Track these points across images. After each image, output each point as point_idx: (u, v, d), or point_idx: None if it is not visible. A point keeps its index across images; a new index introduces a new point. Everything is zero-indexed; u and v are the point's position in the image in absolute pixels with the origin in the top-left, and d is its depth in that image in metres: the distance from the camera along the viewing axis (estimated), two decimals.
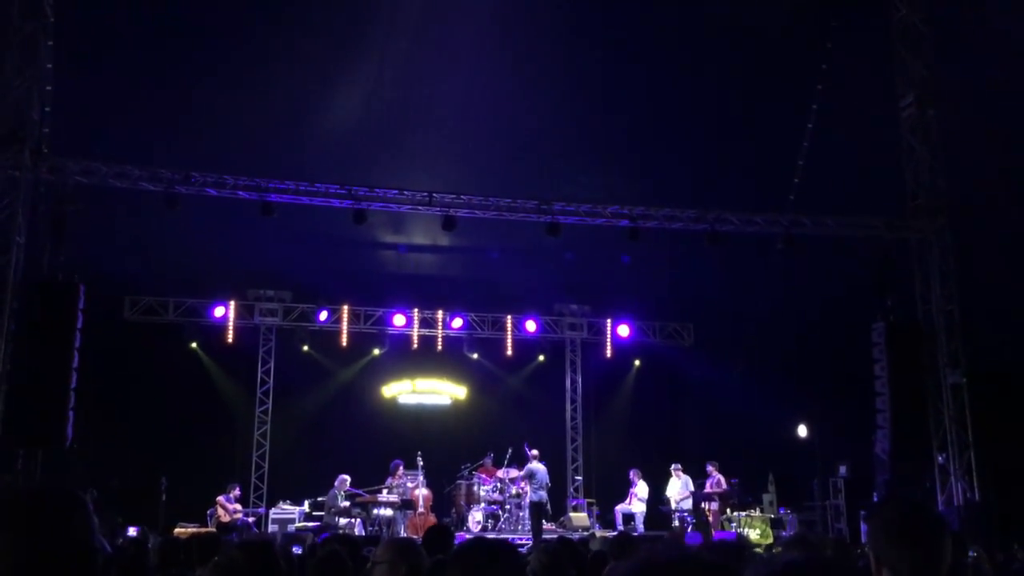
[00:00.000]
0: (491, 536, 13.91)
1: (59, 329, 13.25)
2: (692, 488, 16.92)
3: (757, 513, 16.32)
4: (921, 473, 15.90)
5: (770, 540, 15.07)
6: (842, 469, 17.09)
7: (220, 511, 15.89)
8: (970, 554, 7.36)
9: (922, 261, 16.43)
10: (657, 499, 17.42)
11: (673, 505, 16.98)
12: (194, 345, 18.94)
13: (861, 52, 16.40)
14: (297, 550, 8.46)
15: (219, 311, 18.76)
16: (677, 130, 16.85)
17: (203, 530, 14.34)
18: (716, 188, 17.17)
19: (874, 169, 17.14)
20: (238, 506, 16.32)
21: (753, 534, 15.35)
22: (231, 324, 18.80)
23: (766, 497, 17.39)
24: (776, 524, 16.13)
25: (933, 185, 16.15)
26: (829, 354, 18.07)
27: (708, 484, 16.84)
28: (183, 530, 14.32)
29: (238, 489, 16.63)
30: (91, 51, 14.54)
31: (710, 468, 16.95)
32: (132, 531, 14.01)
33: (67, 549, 1.77)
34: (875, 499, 15.80)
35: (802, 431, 18.84)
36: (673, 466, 17.29)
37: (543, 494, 16.21)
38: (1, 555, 1.74)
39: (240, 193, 15.23)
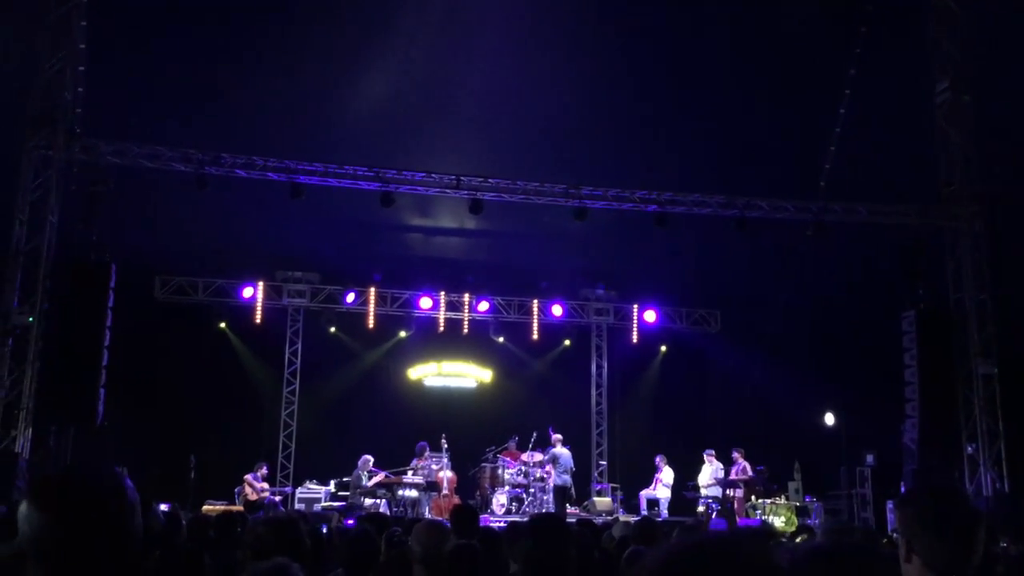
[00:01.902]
0: (516, 519, 13.97)
1: (91, 308, 13.43)
2: (721, 475, 16.88)
3: (782, 501, 16.24)
4: (950, 463, 15.75)
5: (795, 528, 15.00)
6: (869, 458, 16.95)
7: (247, 489, 16.07)
8: (1001, 544, 7.31)
9: (954, 249, 16.22)
10: (684, 485, 17.40)
11: (701, 491, 16.97)
12: (223, 325, 19.11)
13: (896, 37, 16.16)
14: (323, 529, 8.53)
15: (248, 292, 18.91)
16: (706, 115, 16.71)
17: (231, 508, 14.52)
18: (746, 174, 17.02)
19: (907, 156, 16.91)
20: (265, 485, 16.49)
21: (778, 522, 15.28)
22: (259, 305, 18.96)
23: (791, 485, 17.29)
24: (802, 512, 16.05)
25: (967, 172, 15.92)
26: (858, 342, 17.91)
27: (733, 471, 16.80)
28: (211, 507, 14.50)
29: (265, 468, 16.79)
30: (123, 32, 14.63)
31: (736, 455, 16.90)
32: (163, 507, 14.20)
33: (103, 530, 1.76)
34: (903, 489, 15.68)
35: (829, 419, 18.69)
36: (706, 452, 17.25)
37: (567, 478, 16.26)
38: (38, 534, 1.75)
39: (269, 175, 15.33)
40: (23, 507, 1.77)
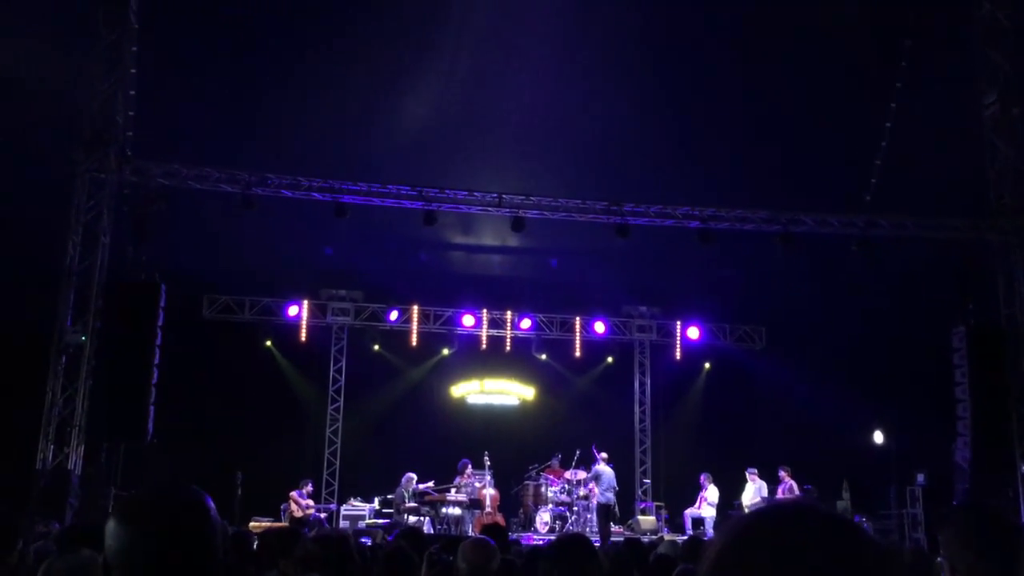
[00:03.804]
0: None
1: (141, 327, 13.66)
2: (765, 494, 16.65)
3: None
4: (1003, 483, 15.37)
5: None
6: (920, 477, 16.62)
7: (293, 506, 16.21)
8: None
9: (1006, 263, 15.89)
10: (729, 504, 17.19)
11: (745, 511, 16.71)
12: (269, 343, 19.36)
13: (942, 49, 15.93)
14: (366, 541, 8.57)
15: (293, 310, 19.13)
16: (750, 130, 16.61)
17: (277, 525, 14.66)
18: (790, 189, 16.86)
19: (955, 169, 16.63)
20: (310, 502, 16.62)
21: None
22: (304, 323, 19.16)
23: (840, 504, 17.00)
24: None
25: (1018, 185, 15.60)
26: (907, 359, 17.59)
27: (780, 490, 16.56)
28: (258, 524, 14.65)
29: (310, 485, 16.94)
30: (172, 57, 14.98)
31: (782, 473, 16.67)
32: None
33: (187, 546, 1.85)
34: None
35: (878, 437, 18.36)
36: (748, 470, 17.04)
37: (611, 496, 16.15)
38: (124, 548, 1.83)
39: (314, 195, 15.52)
40: (110, 523, 1.86)
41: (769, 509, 1.19)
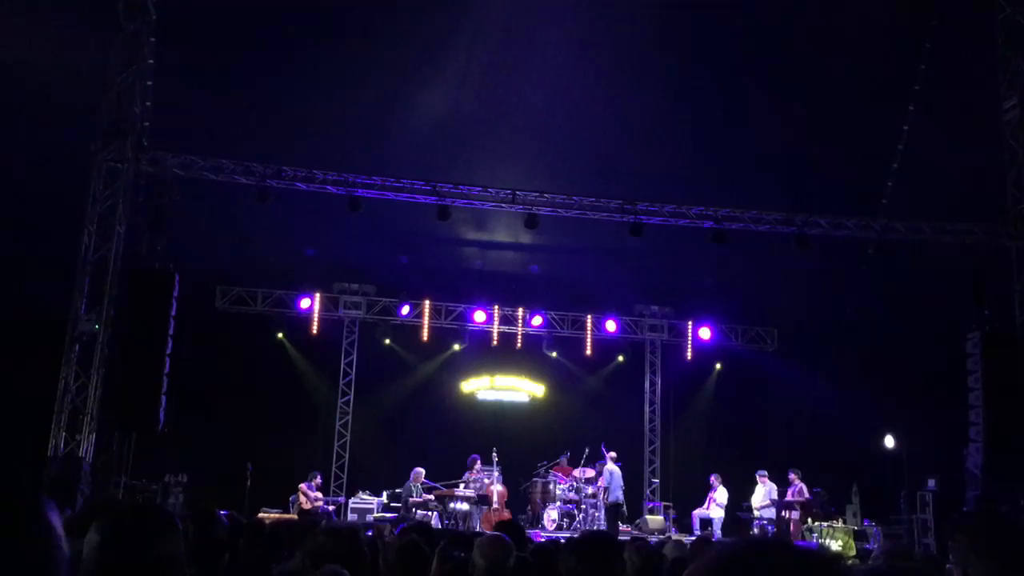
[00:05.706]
0: (567, 535, 13.93)
1: (155, 316, 13.72)
2: (775, 496, 16.62)
3: (840, 524, 15.92)
4: (1015, 489, 15.28)
5: (853, 552, 14.69)
6: (930, 483, 16.54)
7: (302, 498, 16.26)
8: None
9: (1022, 270, 15.79)
10: (738, 505, 17.16)
11: (755, 513, 16.72)
12: (281, 335, 19.41)
13: (962, 52, 15.83)
14: (369, 533, 8.55)
15: (305, 303, 19.17)
16: (766, 131, 16.54)
17: (286, 516, 14.70)
18: (805, 190, 16.79)
19: (972, 173, 16.53)
20: (319, 494, 16.66)
21: (835, 546, 14.98)
22: (316, 316, 19.19)
23: (849, 508, 16.95)
24: (859, 536, 15.70)
25: None
26: (920, 364, 17.51)
27: (790, 492, 16.52)
28: (266, 515, 14.69)
29: (319, 478, 16.98)
30: (190, 49, 15.02)
31: (792, 476, 16.63)
32: (221, 514, 14.41)
33: (157, 561, 1.98)
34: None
35: (889, 442, 18.29)
36: (758, 473, 17.01)
37: (619, 495, 16.15)
38: (92, 552, 1.97)
39: (328, 188, 15.55)
40: (91, 529, 2.03)
41: (750, 544, 1.22)
